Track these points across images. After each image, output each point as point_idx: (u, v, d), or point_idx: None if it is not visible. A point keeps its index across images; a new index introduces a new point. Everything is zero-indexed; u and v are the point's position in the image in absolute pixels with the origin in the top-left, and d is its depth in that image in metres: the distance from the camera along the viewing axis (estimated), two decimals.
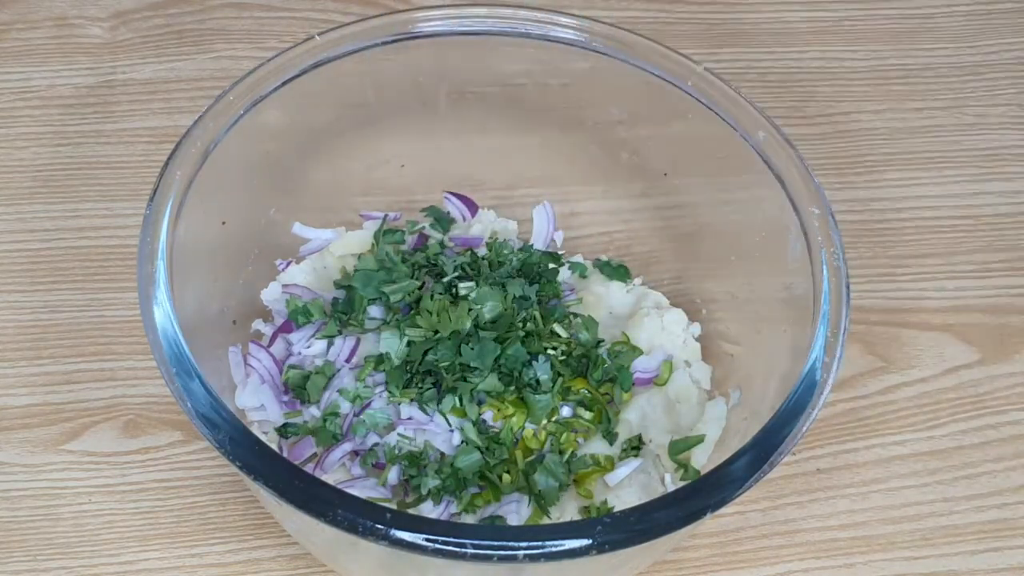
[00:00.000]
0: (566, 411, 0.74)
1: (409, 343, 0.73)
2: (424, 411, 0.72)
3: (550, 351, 0.74)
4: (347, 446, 0.72)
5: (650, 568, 0.75)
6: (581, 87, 0.79)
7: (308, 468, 0.71)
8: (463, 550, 0.56)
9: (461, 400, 0.72)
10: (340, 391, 0.73)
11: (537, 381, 0.73)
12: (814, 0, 1.03)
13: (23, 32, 0.97)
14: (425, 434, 0.72)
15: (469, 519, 0.70)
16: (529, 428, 0.72)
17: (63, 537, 0.75)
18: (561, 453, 0.72)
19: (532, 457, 0.72)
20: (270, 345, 0.76)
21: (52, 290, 0.84)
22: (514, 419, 0.72)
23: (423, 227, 0.82)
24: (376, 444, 0.72)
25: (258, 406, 0.73)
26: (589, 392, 0.74)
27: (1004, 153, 0.96)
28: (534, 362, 0.73)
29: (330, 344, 0.75)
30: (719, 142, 0.73)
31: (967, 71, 1.00)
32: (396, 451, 0.71)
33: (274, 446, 0.71)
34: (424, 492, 0.70)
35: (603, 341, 0.77)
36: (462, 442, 0.72)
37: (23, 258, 0.85)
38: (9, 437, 0.78)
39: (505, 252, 0.80)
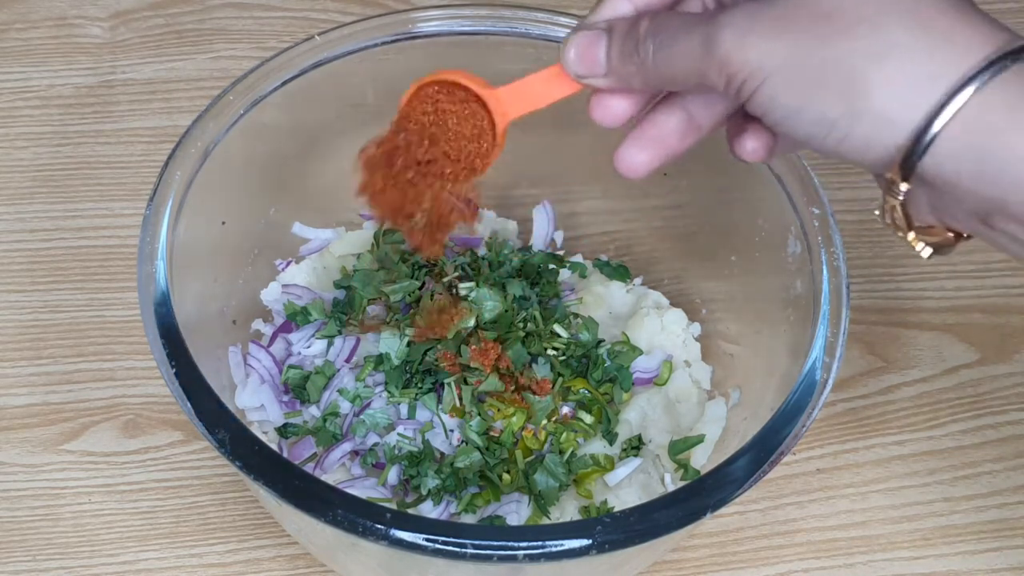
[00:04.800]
0: (566, 411, 0.74)
1: (409, 343, 0.73)
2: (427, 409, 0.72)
3: (550, 351, 0.74)
4: (347, 446, 0.72)
5: (650, 568, 0.75)
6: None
7: (308, 468, 0.71)
8: (463, 550, 0.56)
9: (461, 400, 0.72)
10: (340, 391, 0.73)
11: (537, 382, 0.73)
12: None
13: (23, 32, 0.97)
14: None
15: (469, 519, 0.70)
16: (529, 428, 0.72)
17: (63, 537, 0.75)
18: (561, 453, 0.72)
19: (532, 457, 0.72)
20: (270, 345, 0.76)
21: (52, 290, 0.84)
22: (514, 419, 0.72)
23: None
24: (376, 444, 0.72)
25: (258, 406, 0.73)
26: (589, 392, 0.74)
27: None
28: (534, 363, 0.73)
29: (330, 344, 0.75)
30: (719, 142, 0.73)
31: None
32: (396, 451, 0.71)
33: (274, 446, 0.71)
34: (424, 492, 0.70)
35: (603, 341, 0.77)
36: (462, 442, 0.72)
37: (23, 258, 0.85)
38: (9, 437, 0.78)
39: (505, 252, 0.80)
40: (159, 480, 0.77)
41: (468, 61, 0.78)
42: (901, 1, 0.49)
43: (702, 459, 0.72)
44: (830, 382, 0.64)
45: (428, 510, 0.70)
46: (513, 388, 0.72)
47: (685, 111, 0.58)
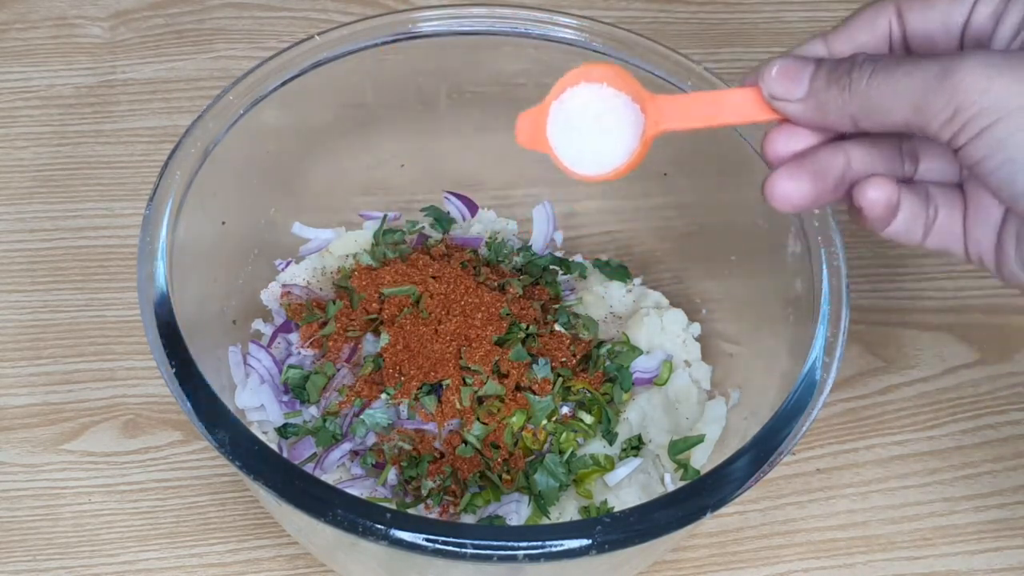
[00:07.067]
0: (566, 411, 0.74)
1: None
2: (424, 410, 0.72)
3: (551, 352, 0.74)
4: (347, 446, 0.72)
5: (650, 568, 0.75)
6: None
7: (308, 468, 0.71)
8: (463, 550, 0.56)
9: (461, 400, 0.72)
10: (340, 391, 0.73)
11: (537, 382, 0.73)
12: (814, 0, 1.03)
13: (23, 32, 0.97)
14: (425, 434, 0.72)
15: (469, 519, 0.70)
16: (529, 428, 0.72)
17: (63, 537, 0.75)
18: (561, 453, 0.72)
19: (532, 457, 0.72)
20: (270, 345, 0.76)
21: (52, 290, 0.84)
22: (514, 419, 0.72)
23: (423, 227, 0.82)
24: (376, 444, 0.72)
25: (258, 406, 0.73)
26: (589, 392, 0.74)
27: None
28: (534, 364, 0.73)
29: (330, 344, 0.75)
30: (719, 142, 0.73)
31: None
32: (396, 451, 0.71)
33: (274, 446, 0.71)
34: (424, 492, 0.70)
35: (603, 342, 0.77)
36: (462, 442, 0.72)
37: (23, 258, 0.85)
38: (9, 437, 0.78)
39: (505, 252, 0.80)
40: (159, 480, 0.77)
41: (468, 61, 0.78)
42: None
43: (702, 459, 0.72)
44: (830, 382, 0.64)
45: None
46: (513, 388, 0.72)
47: (846, 157, 0.54)
